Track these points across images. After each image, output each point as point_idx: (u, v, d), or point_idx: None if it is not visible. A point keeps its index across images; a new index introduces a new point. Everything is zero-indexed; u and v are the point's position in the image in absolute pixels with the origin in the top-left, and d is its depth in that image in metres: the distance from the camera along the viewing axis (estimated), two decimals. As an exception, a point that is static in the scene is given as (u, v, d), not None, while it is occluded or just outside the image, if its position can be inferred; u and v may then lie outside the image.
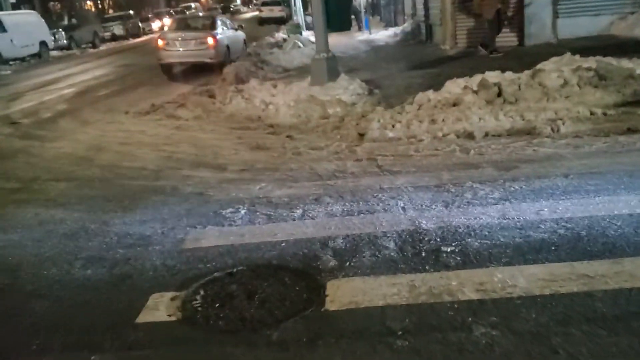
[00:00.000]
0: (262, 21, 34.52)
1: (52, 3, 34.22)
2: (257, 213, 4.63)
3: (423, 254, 3.61)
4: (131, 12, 37.04)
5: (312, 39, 20.40)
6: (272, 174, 5.68)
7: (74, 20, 28.15)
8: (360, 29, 24.09)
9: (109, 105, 11.36)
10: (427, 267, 3.43)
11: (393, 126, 6.84)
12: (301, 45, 18.15)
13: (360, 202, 4.63)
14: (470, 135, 6.38)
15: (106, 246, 4.22)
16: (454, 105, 7.47)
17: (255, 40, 19.97)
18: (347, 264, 3.57)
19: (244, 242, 4.07)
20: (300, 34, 20.01)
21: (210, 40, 15.18)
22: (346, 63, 14.51)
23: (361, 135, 6.95)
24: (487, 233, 3.81)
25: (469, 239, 3.74)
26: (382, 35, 20.06)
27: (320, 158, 6.12)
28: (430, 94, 8.95)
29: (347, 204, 4.64)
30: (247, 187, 5.33)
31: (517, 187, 4.63)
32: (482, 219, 4.05)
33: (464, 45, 14.23)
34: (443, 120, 6.76)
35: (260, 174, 5.74)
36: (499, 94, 7.51)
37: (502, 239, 3.70)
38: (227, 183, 5.51)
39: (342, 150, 6.33)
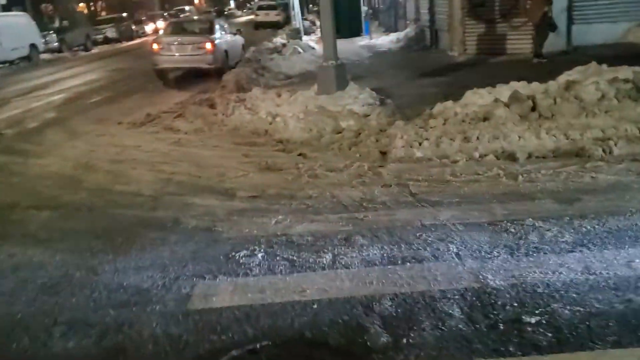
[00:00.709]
0: (257, 25, 33.60)
1: (43, 5, 33.15)
2: (278, 257, 3.78)
3: (501, 326, 2.78)
4: (124, 14, 36.02)
5: (312, 44, 19.65)
6: (289, 203, 4.84)
7: (65, 23, 27.11)
8: (360, 34, 23.28)
9: (101, 114, 10.46)
10: (511, 349, 2.60)
11: (420, 144, 6.01)
12: (301, 50, 17.34)
13: (402, 245, 3.79)
14: (511, 157, 5.57)
15: (94, 304, 3.35)
16: (485, 119, 6.66)
17: (252, 45, 19.10)
18: (404, 340, 2.74)
19: (266, 301, 3.22)
20: (300, 39, 19.18)
21: (208, 45, 14.30)
22: (350, 70, 13.64)
23: (383, 154, 6.12)
24: (575, 295, 2.99)
25: (555, 305, 2.91)
26: (384, 40, 19.26)
27: (341, 182, 5.28)
28: (450, 104, 8.19)
29: (385, 247, 3.80)
30: (262, 220, 4.47)
31: (589, 227, 3.82)
32: (562, 273, 3.23)
33: (473, 51, 13.46)
34: (478, 138, 5.94)
35: (275, 202, 4.90)
36: (533, 108, 6.72)
37: (597, 305, 2.88)
38: (238, 215, 4.65)
39: (364, 173, 5.49)
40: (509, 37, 12.76)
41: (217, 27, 15.44)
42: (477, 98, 7.93)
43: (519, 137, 5.84)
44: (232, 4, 78.86)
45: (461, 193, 4.73)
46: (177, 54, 14.42)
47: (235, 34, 16.71)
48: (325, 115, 7.94)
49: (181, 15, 41.00)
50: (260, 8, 35.33)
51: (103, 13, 43.89)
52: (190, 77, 14.53)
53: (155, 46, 14.57)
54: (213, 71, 14.55)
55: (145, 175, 6.02)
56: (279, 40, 20.45)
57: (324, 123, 7.64)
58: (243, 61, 15.15)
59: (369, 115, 8.24)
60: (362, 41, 21.06)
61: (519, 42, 12.63)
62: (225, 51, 15.11)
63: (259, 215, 4.61)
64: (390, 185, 5.05)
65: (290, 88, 11.66)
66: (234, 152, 6.77)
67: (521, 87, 7.98)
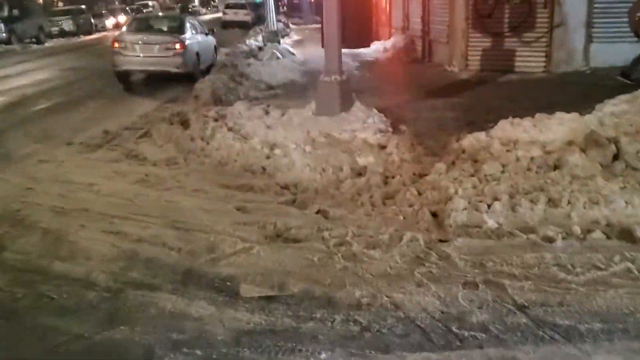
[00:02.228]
0: (225, 24, 31.39)
1: (-8, -8, 30.09)
2: None
3: None
4: (83, 6, 33.13)
5: (291, 49, 17.75)
6: (328, 317, 3.01)
7: (15, 12, 24.27)
8: (370, 44, 21.50)
9: (47, 129, 8.33)
10: None
11: (489, 206, 4.27)
12: (280, 56, 15.44)
13: None
14: (627, 235, 3.88)
15: None
16: (555, 168, 4.99)
17: (222, 46, 17.04)
18: None
19: None
20: (279, 42, 17.24)
21: (177, 46, 12.24)
22: (341, 82, 11.91)
23: (434, 215, 4.36)
24: None
25: None
26: (368, 49, 17.51)
27: (397, 273, 3.47)
28: (483, 137, 6.57)
29: None
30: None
31: None
32: None
33: (476, 67, 11.88)
34: (569, 202, 4.23)
35: (305, 313, 3.06)
36: (616, 155, 5.10)
37: None
38: (250, 346, 2.79)
39: (424, 254, 3.70)
40: (519, 53, 11.25)
41: (188, 25, 13.38)
42: (519, 132, 6.31)
43: (627, 203, 4.17)
44: (196, 1, 75.89)
45: (597, 309, 3.01)
46: (141, 55, 12.30)
47: (207, 34, 14.67)
48: (337, 147, 6.13)
49: (145, 11, 38.30)
50: (228, 6, 33.11)
51: (60, 4, 40.67)
52: (155, 82, 12.45)
53: (116, 44, 12.40)
54: (182, 76, 12.53)
55: (99, 243, 4.05)
56: (254, 42, 18.48)
57: (338, 159, 5.83)
58: (217, 66, 13.15)
59: (385, 147, 6.50)
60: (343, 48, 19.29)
61: (530, 60, 11.13)
62: (197, 53, 13.09)
63: (283, 345, 2.77)
64: (477, 285, 3.29)
65: (276, 102, 9.81)
66: (223, 202, 4.85)
67: (573, 119, 6.40)
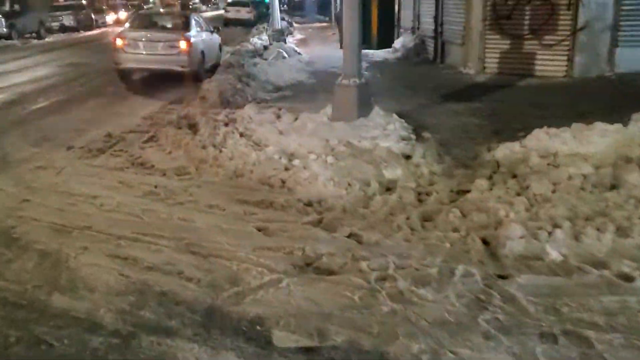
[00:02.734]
0: (227, 22, 30.74)
1: (-7, -15, 29.37)
2: None
3: None
4: (84, 1, 32.44)
5: (297, 49, 17.15)
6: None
7: (16, 6, 23.61)
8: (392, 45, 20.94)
9: (46, 129, 7.74)
10: None
11: (550, 234, 3.72)
12: (286, 55, 14.85)
13: None
14: None
15: None
16: (612, 188, 4.45)
17: (225, 44, 16.44)
18: None
19: None
20: (285, 41, 16.64)
21: (182, 44, 11.66)
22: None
23: (485, 243, 3.81)
24: None
25: None
26: (375, 49, 16.96)
27: (456, 320, 2.91)
28: (517, 148, 6.08)
29: None
30: None
31: None
32: None
33: (494, 70, 11.33)
34: (642, 233, 3.69)
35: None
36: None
37: None
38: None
39: (484, 294, 3.15)
40: (540, 56, 10.69)
41: (193, 22, 12.79)
42: (557, 143, 5.81)
43: None
44: (197, -1, 75.06)
45: None
46: (144, 53, 11.72)
47: (212, 32, 14.08)
48: (359, 158, 5.57)
49: (146, 7, 37.59)
50: (231, 4, 32.48)
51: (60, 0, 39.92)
52: (159, 81, 11.86)
53: (118, 41, 11.80)
54: (187, 75, 11.95)
55: (104, 271, 3.49)
56: (258, 41, 17.88)
57: (363, 172, 5.27)
58: (223, 66, 12.55)
59: (410, 158, 5.96)
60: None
61: (551, 63, 10.57)
62: (202, 52, 12.52)
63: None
64: (556, 338, 2.73)
65: (285, 104, 9.24)
66: (242, 220, 4.29)
67: (616, 131, 5.87)
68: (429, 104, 8.93)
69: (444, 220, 4.18)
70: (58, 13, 28.75)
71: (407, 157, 6.03)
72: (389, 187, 5.03)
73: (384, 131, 6.81)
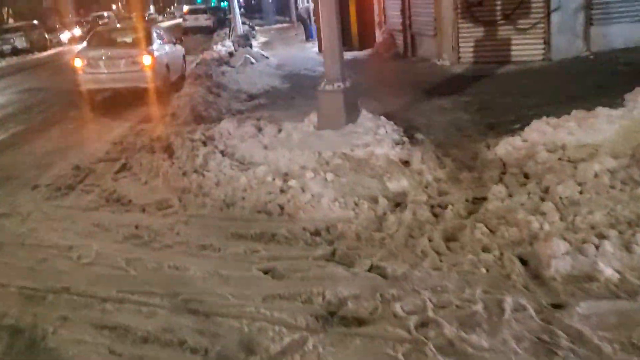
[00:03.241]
0: (186, 31, 29.77)
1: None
2: None
3: None
4: (35, 22, 31.01)
5: (264, 52, 16.49)
6: None
7: (-37, 32, 22.39)
8: (307, 38, 20.39)
9: (6, 167, 6.98)
10: None
11: (597, 247, 3.24)
12: (254, 61, 14.21)
13: None
14: None
15: None
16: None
17: (188, 53, 15.66)
18: None
19: None
20: (250, 46, 15.98)
21: (145, 59, 10.90)
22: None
23: (524, 263, 3.31)
24: None
25: None
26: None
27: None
28: (519, 143, 5.70)
29: None
30: None
31: None
32: None
33: (470, 60, 10.93)
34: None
35: None
36: None
37: None
38: None
39: (545, 333, 2.65)
40: (515, 41, 10.33)
41: (154, 35, 12.02)
42: (563, 134, 5.47)
43: None
44: (152, 9, 73.46)
45: None
46: (106, 72, 10.94)
47: (175, 43, 13.33)
48: (360, 171, 5.04)
49: (100, 22, 36.26)
50: (188, 12, 31.51)
51: (10, 20, 38.24)
52: (124, 100, 11.10)
53: (77, 62, 10.99)
54: (153, 91, 11.21)
55: (90, 348, 2.86)
56: (222, 48, 17.16)
57: (366, 187, 4.74)
58: (191, 78, 11.85)
59: (408, 163, 5.48)
60: (314, 47, 18.14)
61: (528, 48, 10.23)
62: (167, 65, 11.78)
63: None
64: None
65: (263, 114, 8.66)
66: (243, 261, 3.70)
67: (622, 116, 5.52)
68: (412, 102, 8.45)
69: (470, 238, 3.68)
70: (8, 35, 27.42)
71: (405, 162, 5.55)
72: (397, 202, 4.51)
73: (375, 136, 6.31)
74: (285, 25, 31.29)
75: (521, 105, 7.46)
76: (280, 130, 7.04)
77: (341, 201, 4.39)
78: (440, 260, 3.45)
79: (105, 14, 41.09)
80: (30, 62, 23.43)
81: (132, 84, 10.92)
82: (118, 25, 22.50)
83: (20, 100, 12.73)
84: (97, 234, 4.46)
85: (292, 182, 4.83)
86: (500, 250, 3.45)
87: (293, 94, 10.43)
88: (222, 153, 6.41)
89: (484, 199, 4.42)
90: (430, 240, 3.69)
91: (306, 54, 16.66)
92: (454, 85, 9.36)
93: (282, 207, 4.52)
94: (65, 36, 33.69)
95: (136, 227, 4.49)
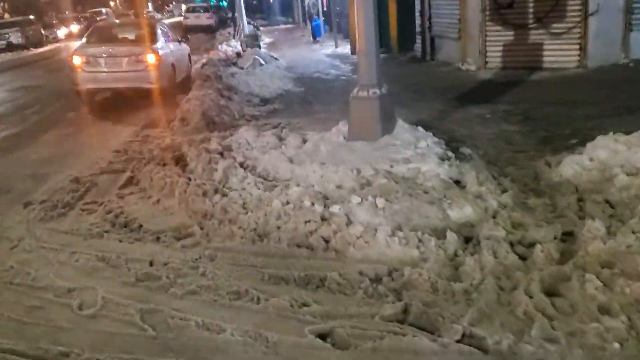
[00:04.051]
0: (187, 29, 28.86)
1: None
2: None
3: None
4: (31, 17, 30.01)
5: (272, 54, 15.66)
6: None
7: (-44, 27, 21.45)
8: (314, 39, 19.58)
9: (-5, 177, 6.16)
10: None
11: None
12: (263, 62, 13.38)
13: None
14: None
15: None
16: None
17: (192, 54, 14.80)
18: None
19: None
20: (259, 47, 15.15)
21: (150, 58, 10.07)
22: (347, 90, 9.98)
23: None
24: None
25: None
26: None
27: None
28: (587, 162, 4.98)
29: None
30: None
31: None
32: None
33: (497, 65, 10.17)
34: None
35: None
36: None
37: None
38: None
39: None
40: (548, 47, 9.59)
41: (159, 32, 11.17)
42: (631, 153, 4.68)
43: None
44: (150, 7, 72.35)
45: None
46: (106, 70, 10.08)
47: (180, 42, 12.49)
48: (413, 194, 4.23)
49: (98, 19, 35.28)
50: (189, 10, 30.61)
51: (6, 15, 37.21)
52: (125, 102, 10.27)
53: (76, 59, 10.13)
54: (158, 92, 10.37)
55: None
56: (228, 48, 16.33)
57: (426, 216, 3.93)
58: (200, 79, 11.00)
59: (459, 183, 4.72)
60: (323, 49, 17.36)
61: (562, 53, 9.48)
62: (172, 65, 10.94)
63: None
64: None
65: (281, 120, 7.88)
66: (290, 321, 2.87)
67: None
68: (446, 110, 7.67)
69: (580, 294, 2.87)
70: (4, 30, 26.48)
71: (456, 182, 4.77)
72: (467, 237, 3.71)
73: (416, 150, 5.52)
74: (289, 25, 30.48)
75: (571, 116, 6.71)
76: (304, 141, 6.25)
77: (400, 235, 3.58)
78: (553, 327, 2.65)
79: (103, 10, 40.07)
80: (25, 59, 22.49)
81: (135, 84, 10.08)
82: (117, 21, 21.60)
83: (14, 99, 11.85)
84: (103, 271, 3.62)
85: (335, 209, 4.02)
86: (627, 315, 2.66)
87: (309, 98, 9.64)
88: (242, 165, 5.62)
89: (571, 233, 3.65)
90: (530, 297, 2.89)
91: (315, 55, 15.86)
92: (486, 91, 8.59)
93: (326, 241, 3.70)
94: (62, 32, 32.76)
95: (151, 263, 3.66)
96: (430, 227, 3.82)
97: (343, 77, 11.46)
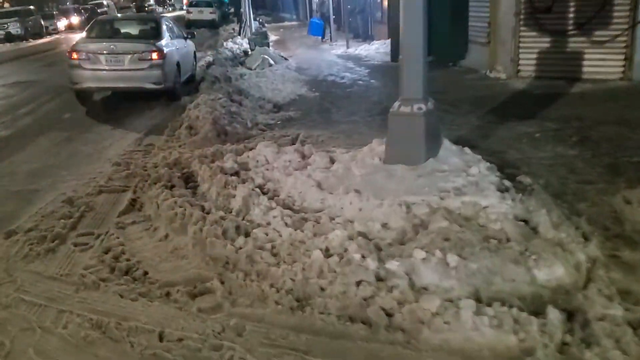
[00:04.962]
0: (190, 24, 27.85)
1: None
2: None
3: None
4: (31, 7, 28.94)
5: (282, 53, 14.74)
6: None
7: (-48, 15, 20.45)
8: (324, 40, 18.65)
9: (-24, 194, 5.26)
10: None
11: None
12: (272, 62, 12.47)
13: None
14: None
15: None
16: None
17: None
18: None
19: None
20: (268, 45, 14.22)
21: (154, 56, 9.18)
22: (371, 98, 9.11)
23: None
24: None
25: None
26: (368, 50, 14.69)
27: None
28: None
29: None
30: None
31: None
32: None
33: (530, 74, 9.29)
34: None
35: None
36: None
37: None
38: None
39: None
40: (588, 56, 8.70)
41: (164, 28, 10.25)
42: None
43: None
44: (152, 0, 71.12)
45: None
46: (107, 68, 9.19)
47: (186, 38, 11.57)
48: (491, 247, 3.36)
49: (99, 11, 34.21)
50: (192, 5, 29.58)
51: (6, 5, 36.10)
52: (127, 103, 9.42)
53: (74, 55, 9.22)
54: (162, 93, 9.50)
55: None
56: (234, 46, 15.40)
57: (508, 279, 3.06)
58: (207, 80, 10.09)
59: (529, 225, 3.88)
60: (334, 49, 16.43)
61: (604, 64, 8.60)
62: (178, 63, 10.05)
63: None
64: None
65: (299, 132, 7.00)
66: None
67: None
68: (485, 125, 6.79)
69: None
70: (3, 20, 25.45)
71: (525, 222, 3.92)
72: (569, 311, 2.85)
73: (468, 178, 4.65)
74: (293, 23, 29.51)
75: (634, 139, 5.85)
76: (333, 161, 5.38)
77: (490, 314, 2.71)
78: None
79: (105, 2, 38.93)
80: (23, 50, 21.49)
81: (138, 84, 9.19)
82: (124, 14, 20.57)
83: (7, 96, 10.91)
84: (98, 346, 2.74)
85: (393, 265, 3.14)
86: None
87: (326, 105, 8.74)
88: (262, 189, 4.75)
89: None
90: None
91: (326, 56, 14.94)
92: (525, 104, 7.72)
93: (389, 314, 2.83)
94: (62, 24, 31.66)
95: (160, 337, 2.78)
96: (518, 294, 2.96)
97: (360, 82, 10.56)
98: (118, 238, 4.04)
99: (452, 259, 3.13)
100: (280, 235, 3.76)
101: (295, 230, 3.83)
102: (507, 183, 4.61)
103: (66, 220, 4.42)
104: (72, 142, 7.27)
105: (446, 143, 5.20)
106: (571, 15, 8.72)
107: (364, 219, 4.07)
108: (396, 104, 5.08)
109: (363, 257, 3.22)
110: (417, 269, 3.10)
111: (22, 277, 3.55)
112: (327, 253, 3.38)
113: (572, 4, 8.68)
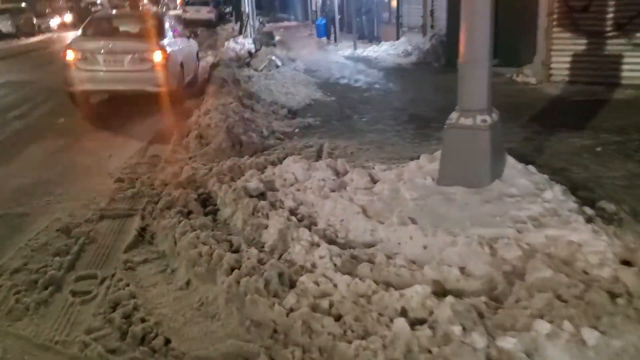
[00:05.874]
0: (187, 23, 26.78)
1: None
2: None
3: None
4: (23, 4, 27.77)
5: (289, 53, 13.86)
6: None
7: (-60, 12, 19.31)
8: (328, 40, 17.79)
9: (-47, 219, 4.35)
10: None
11: None
12: (279, 63, 11.59)
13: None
14: None
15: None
16: None
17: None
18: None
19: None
20: (274, 45, 13.33)
21: (157, 56, 8.27)
22: (389, 103, 8.27)
23: None
24: None
25: None
26: (377, 52, 13.83)
27: None
28: None
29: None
30: None
31: None
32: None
33: (563, 78, 8.50)
34: None
35: None
36: None
37: None
38: None
39: None
40: (629, 60, 7.94)
41: (167, 26, 9.34)
42: None
43: None
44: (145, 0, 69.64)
45: None
46: (105, 69, 8.27)
47: (189, 37, 10.68)
48: (629, 314, 2.53)
49: (93, 9, 33.05)
50: (189, 4, 28.58)
51: (-3, 2, 34.73)
52: (127, 106, 8.50)
53: (69, 55, 8.28)
54: (164, 97, 8.58)
55: None
56: (237, 46, 14.49)
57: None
58: (215, 83, 9.19)
59: (631, 265, 3.06)
60: (340, 50, 15.56)
61: (632, 67, 7.83)
62: (181, 64, 9.15)
63: None
64: None
65: (322, 142, 6.16)
66: None
67: None
68: (533, 137, 5.98)
69: None
70: (-7, 18, 24.24)
71: (626, 262, 3.11)
72: None
73: (544, 204, 3.84)
74: (292, 23, 28.59)
75: None
76: (374, 180, 4.55)
77: None
78: None
79: (99, 0, 37.73)
80: (15, 49, 20.38)
81: (138, 86, 8.29)
82: (115, 12, 19.54)
83: (-4, 98, 9.94)
84: None
85: (508, 343, 2.29)
86: None
87: (346, 111, 7.90)
88: (294, 215, 3.91)
89: None
90: None
91: (333, 57, 14.06)
92: (569, 112, 6.93)
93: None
94: (55, 22, 30.47)
95: None
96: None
97: (377, 86, 9.72)
98: (128, 285, 3.16)
99: (591, 335, 2.28)
100: (335, 286, 2.91)
101: (353, 278, 2.98)
102: (588, 211, 3.81)
103: (62, 257, 3.55)
104: (68, 152, 6.37)
105: (510, 160, 4.39)
106: (610, 15, 7.95)
107: (433, 260, 3.24)
108: (454, 114, 4.26)
109: (464, 329, 2.37)
110: (543, 349, 2.26)
111: (6, 345, 2.67)
112: (407, 317, 2.53)
113: (611, 2, 7.92)
